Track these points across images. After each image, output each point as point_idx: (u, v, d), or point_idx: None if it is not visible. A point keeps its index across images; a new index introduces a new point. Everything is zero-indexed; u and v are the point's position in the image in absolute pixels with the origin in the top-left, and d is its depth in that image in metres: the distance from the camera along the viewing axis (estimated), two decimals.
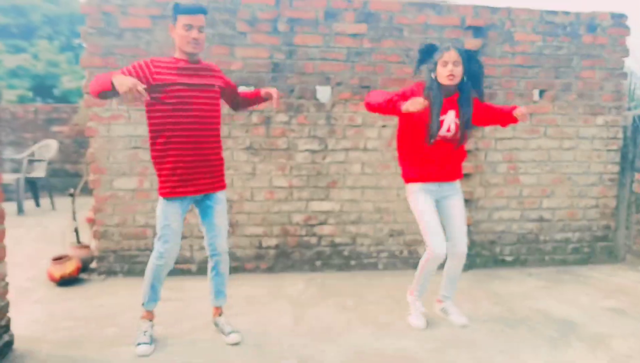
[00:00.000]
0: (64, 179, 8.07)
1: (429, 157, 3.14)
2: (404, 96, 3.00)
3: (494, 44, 4.33)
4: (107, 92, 2.59)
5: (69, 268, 3.94)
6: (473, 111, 3.10)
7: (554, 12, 4.43)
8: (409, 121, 3.12)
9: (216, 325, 3.20)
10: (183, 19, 2.70)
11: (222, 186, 3.04)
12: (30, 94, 14.91)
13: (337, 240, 4.37)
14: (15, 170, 7.01)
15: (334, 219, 4.34)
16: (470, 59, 3.04)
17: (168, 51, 3.99)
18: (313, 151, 4.25)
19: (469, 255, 4.50)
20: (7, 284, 2.87)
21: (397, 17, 4.19)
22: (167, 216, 2.86)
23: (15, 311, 2.97)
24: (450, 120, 3.08)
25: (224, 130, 4.11)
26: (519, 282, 4.23)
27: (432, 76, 3.03)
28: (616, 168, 4.68)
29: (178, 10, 2.72)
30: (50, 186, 7.18)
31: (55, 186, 7.77)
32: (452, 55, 2.96)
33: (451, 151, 3.16)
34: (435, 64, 3.01)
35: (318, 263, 4.38)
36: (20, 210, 6.54)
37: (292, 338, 3.11)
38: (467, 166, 4.35)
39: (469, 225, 4.45)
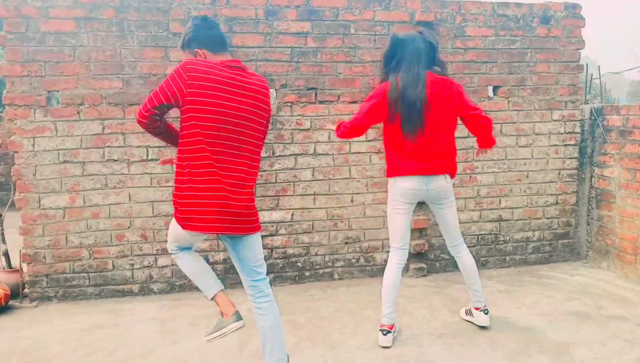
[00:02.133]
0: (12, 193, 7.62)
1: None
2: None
3: (445, 40, 4.15)
4: None
5: None
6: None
7: (506, 5, 4.27)
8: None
9: None
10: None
11: None
12: None
13: (290, 251, 4.14)
14: None
15: (285, 229, 4.10)
16: (431, 51, 2.97)
17: (96, 55, 3.70)
18: (263, 158, 3.99)
19: (427, 259, 4.34)
20: None
21: (343, 14, 3.97)
22: None
23: None
24: None
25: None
26: None
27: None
28: (575, 163, 4.56)
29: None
30: None
31: (0, 200, 7.33)
32: None
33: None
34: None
35: (270, 276, 4.12)
36: None
37: None
38: None
39: (426, 228, 4.27)
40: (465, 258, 3.24)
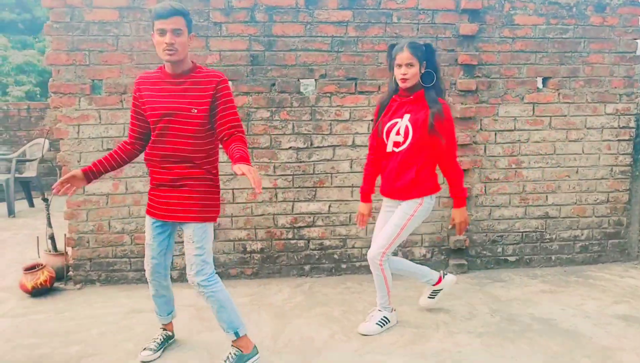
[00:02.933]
0: (57, 178, 7.91)
1: (386, 170, 3.07)
2: (375, 116, 3.10)
3: (492, 28, 3.99)
4: None
5: (41, 278, 3.73)
6: (435, 124, 2.85)
7: None
8: (377, 125, 3.10)
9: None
10: (156, 24, 2.44)
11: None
12: (37, 90, 14.83)
13: (327, 242, 4.11)
14: (8, 170, 6.85)
15: (322, 221, 4.07)
16: (430, 56, 2.89)
17: (138, 44, 3.75)
18: (298, 149, 3.98)
19: (468, 256, 4.22)
20: None
21: (385, 2, 3.87)
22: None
23: None
24: (403, 123, 2.93)
25: None
26: (522, 285, 3.93)
27: (393, 76, 2.97)
28: (628, 160, 4.32)
29: (152, 16, 2.47)
30: (43, 186, 7.01)
31: (48, 185, 7.61)
32: (404, 57, 2.85)
33: (401, 166, 2.98)
34: (393, 64, 2.93)
35: (307, 267, 4.13)
36: (10, 212, 6.39)
37: (268, 356, 2.87)
38: (464, 161, 4.04)
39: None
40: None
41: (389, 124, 2.99)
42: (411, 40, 2.90)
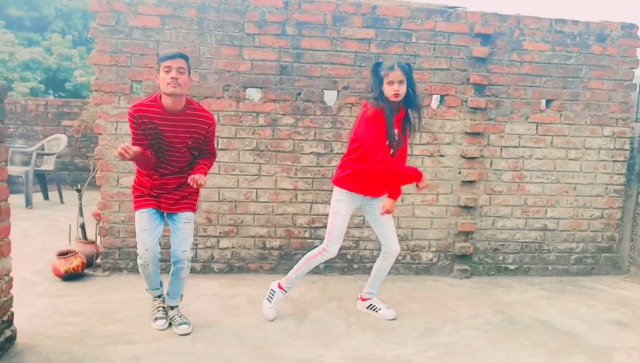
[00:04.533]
0: (73, 173, 8.15)
1: (374, 172, 3.28)
2: (382, 124, 3.21)
3: (502, 52, 4.33)
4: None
5: (73, 263, 3.98)
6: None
7: (564, 21, 4.42)
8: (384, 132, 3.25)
9: (171, 319, 3.29)
10: (164, 64, 2.90)
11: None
12: (42, 87, 14.99)
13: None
14: (25, 163, 7.07)
15: None
16: (411, 74, 3.20)
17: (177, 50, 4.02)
18: (318, 154, 4.27)
19: (471, 262, 4.51)
20: (10, 279, 2.90)
21: (406, 23, 4.20)
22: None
23: (18, 305, 3.01)
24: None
25: (231, 131, 4.14)
26: (521, 291, 4.23)
27: (380, 91, 3.17)
28: (622, 179, 4.66)
29: (159, 59, 2.97)
30: (59, 180, 7.25)
31: (63, 179, 7.85)
32: (397, 75, 3.12)
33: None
34: (382, 81, 3.15)
35: (321, 265, 4.39)
36: (28, 203, 6.61)
37: (292, 341, 3.13)
38: (471, 172, 4.35)
39: (472, 232, 4.45)
40: None
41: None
42: (399, 60, 3.20)
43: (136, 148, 2.92)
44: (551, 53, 4.41)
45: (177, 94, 2.91)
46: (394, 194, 3.47)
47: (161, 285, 3.35)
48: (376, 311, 3.56)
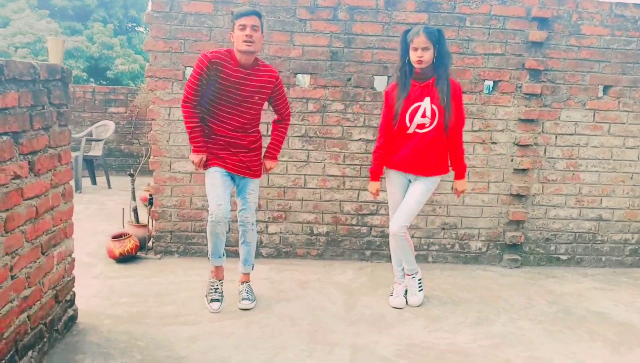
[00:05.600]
0: (119, 159, 8.34)
1: (405, 149, 3.27)
2: (387, 103, 3.31)
3: (559, 36, 4.19)
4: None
5: (128, 245, 4.08)
6: (452, 96, 3.18)
7: (625, 5, 4.24)
8: (389, 110, 3.29)
9: (239, 292, 3.44)
10: (238, 22, 2.99)
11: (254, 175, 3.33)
12: (85, 75, 15.39)
13: (388, 230, 4.34)
14: (74, 149, 7.26)
15: (385, 210, 4.32)
16: (441, 41, 3.12)
17: (230, 36, 4.04)
18: (367, 141, 4.24)
19: (522, 252, 4.43)
20: (73, 259, 3.00)
21: (460, 7, 4.10)
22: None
23: (77, 286, 3.09)
24: (425, 105, 3.17)
25: None
26: (574, 282, 4.13)
27: (405, 60, 3.17)
28: None
29: (234, 16, 3.03)
30: (106, 165, 7.42)
31: (110, 165, 8.05)
32: (420, 40, 3.06)
33: (428, 145, 3.24)
34: (408, 48, 3.12)
35: (368, 252, 4.39)
36: (77, 188, 6.80)
37: (345, 327, 3.14)
38: (524, 160, 4.25)
39: (523, 221, 4.36)
40: None
41: (412, 108, 3.19)
42: (426, 26, 3.14)
43: (203, 156, 3.20)
44: (610, 38, 4.25)
45: (251, 52, 3.01)
46: (458, 173, 3.43)
47: (224, 255, 3.39)
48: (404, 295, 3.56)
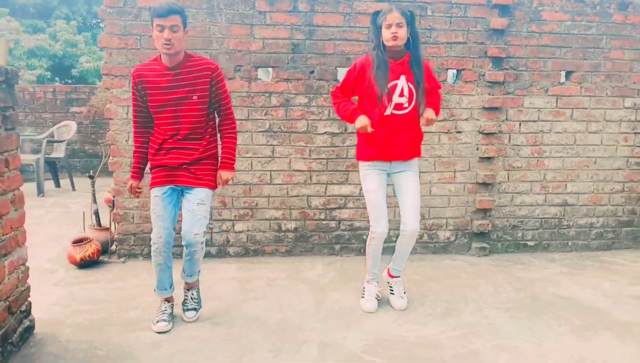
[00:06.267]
0: (83, 160, 8.14)
1: (383, 132, 3.10)
2: (355, 75, 3.12)
3: (520, 23, 4.20)
4: None
5: (89, 250, 3.95)
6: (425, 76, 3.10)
7: None
8: (364, 95, 3.14)
9: (183, 302, 3.19)
10: (156, 22, 2.75)
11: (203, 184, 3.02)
12: (48, 74, 14.96)
13: (357, 223, 4.33)
14: (35, 151, 7.06)
15: (352, 203, 4.29)
16: (413, 22, 3.06)
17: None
18: (333, 134, 4.19)
19: (490, 240, 4.44)
20: (27, 268, 2.87)
21: None
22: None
23: (36, 294, 2.98)
24: (402, 84, 3.07)
25: (243, 112, 4.06)
26: (542, 268, 4.16)
27: (379, 40, 3.04)
28: None
29: (151, 14, 2.79)
30: (70, 167, 7.23)
31: (74, 166, 7.85)
32: (394, 16, 2.98)
33: (406, 127, 3.12)
34: (380, 28, 3.02)
35: (337, 247, 4.35)
36: (40, 191, 6.60)
37: (313, 323, 3.10)
38: (489, 149, 4.26)
39: (490, 209, 4.37)
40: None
41: (390, 85, 3.03)
42: (397, 5, 3.09)
43: (132, 184, 3.10)
44: (571, 23, 4.27)
45: (172, 54, 2.81)
46: (432, 106, 3.19)
47: (171, 286, 3.14)
48: (391, 293, 3.42)
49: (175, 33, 2.75)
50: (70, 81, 15.62)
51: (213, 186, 3.04)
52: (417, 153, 3.24)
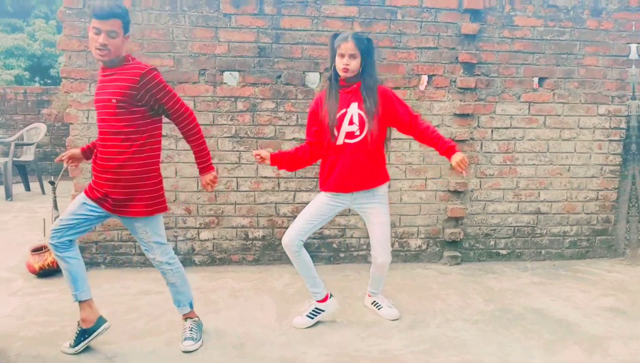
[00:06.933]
0: (54, 163, 7.95)
1: (339, 163, 2.97)
2: (312, 112, 3.04)
3: (492, 28, 4.13)
4: None
5: (48, 259, 3.81)
6: (382, 104, 2.94)
7: None
8: (319, 126, 3.01)
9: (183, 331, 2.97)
10: (93, 22, 2.50)
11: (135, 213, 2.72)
12: (27, 74, 14.69)
13: (326, 231, 4.23)
14: (4, 154, 6.88)
15: None
16: (370, 50, 2.92)
17: (149, 33, 3.82)
18: (301, 141, 4.07)
19: (462, 248, 4.37)
20: None
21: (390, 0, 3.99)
22: None
23: None
24: (352, 111, 2.93)
25: (208, 117, 3.95)
26: (514, 277, 4.09)
27: (332, 65, 2.93)
28: (618, 159, 4.50)
29: (91, 12, 2.53)
30: (40, 170, 7.06)
31: (45, 169, 7.66)
32: (348, 47, 2.84)
33: (362, 155, 2.96)
34: (335, 54, 2.89)
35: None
36: (7, 195, 6.42)
37: (274, 337, 2.99)
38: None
39: (462, 217, 4.30)
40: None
41: (338, 115, 2.92)
42: (355, 33, 2.93)
43: (73, 151, 2.90)
44: (544, 29, 4.22)
45: (104, 61, 2.58)
46: (447, 151, 3.01)
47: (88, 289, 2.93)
48: (378, 309, 3.34)
49: (113, 39, 2.50)
50: (49, 81, 15.36)
51: (143, 213, 2.70)
52: (379, 181, 3.07)
